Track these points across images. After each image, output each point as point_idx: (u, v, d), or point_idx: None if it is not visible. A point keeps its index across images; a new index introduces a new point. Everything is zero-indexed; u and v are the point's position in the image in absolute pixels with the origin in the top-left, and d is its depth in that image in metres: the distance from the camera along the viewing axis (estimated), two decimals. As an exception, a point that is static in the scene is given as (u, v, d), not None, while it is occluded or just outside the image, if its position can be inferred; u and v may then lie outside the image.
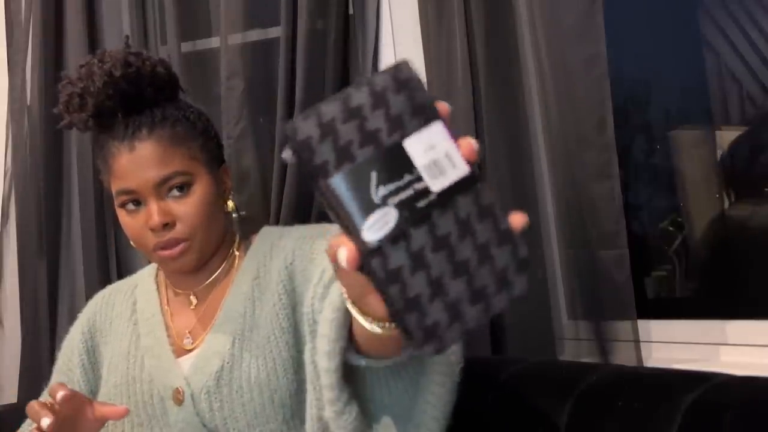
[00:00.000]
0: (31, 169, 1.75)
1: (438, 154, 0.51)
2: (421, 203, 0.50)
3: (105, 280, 1.61)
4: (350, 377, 0.84)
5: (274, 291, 1.05)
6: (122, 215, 1.08)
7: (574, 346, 1.29)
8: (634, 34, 1.48)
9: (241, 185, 1.52)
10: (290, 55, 1.48)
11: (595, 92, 1.20)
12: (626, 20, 1.46)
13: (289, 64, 1.47)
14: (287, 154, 0.51)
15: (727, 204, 1.43)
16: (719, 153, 1.44)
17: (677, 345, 1.25)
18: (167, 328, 1.13)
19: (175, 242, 1.06)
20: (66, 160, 1.76)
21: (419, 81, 0.53)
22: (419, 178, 0.51)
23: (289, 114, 1.45)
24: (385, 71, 0.52)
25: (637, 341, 1.18)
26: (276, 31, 1.54)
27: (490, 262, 0.51)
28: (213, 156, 1.12)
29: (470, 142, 0.52)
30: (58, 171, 1.75)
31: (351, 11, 1.51)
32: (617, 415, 0.95)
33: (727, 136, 1.43)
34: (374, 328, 0.64)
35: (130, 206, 1.07)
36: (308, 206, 1.45)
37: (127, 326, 1.15)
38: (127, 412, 0.95)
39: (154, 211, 1.04)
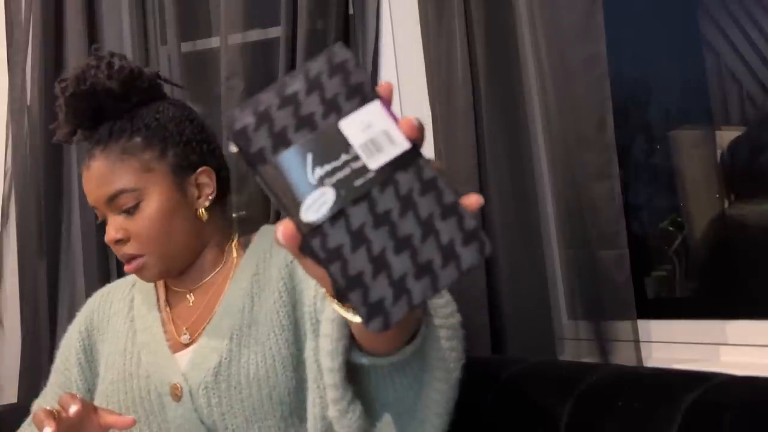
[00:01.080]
0: (31, 169, 1.75)
1: (375, 133, 0.52)
2: (359, 181, 0.51)
3: (105, 280, 1.60)
4: (354, 376, 0.84)
5: (274, 288, 1.05)
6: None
7: (574, 346, 1.29)
8: (634, 34, 1.48)
9: (241, 185, 1.52)
10: (290, 55, 1.48)
11: (595, 92, 1.20)
12: (626, 20, 1.46)
13: (289, 64, 1.47)
14: (232, 146, 0.52)
15: (727, 204, 1.43)
16: (719, 153, 1.44)
17: (677, 345, 1.25)
18: (164, 323, 1.13)
19: (130, 257, 1.07)
20: (66, 160, 1.76)
21: (355, 63, 0.54)
22: (356, 157, 0.51)
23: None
24: (320, 56, 0.53)
25: (637, 341, 1.18)
26: (276, 31, 1.54)
27: (434, 236, 0.51)
28: (178, 163, 1.08)
29: (410, 119, 0.53)
30: (58, 171, 1.75)
31: (351, 11, 1.51)
32: (617, 415, 0.95)
33: (727, 136, 1.43)
34: (355, 318, 0.64)
35: (101, 219, 1.10)
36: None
37: (124, 323, 1.16)
38: (133, 424, 0.95)
39: (109, 227, 1.07)
